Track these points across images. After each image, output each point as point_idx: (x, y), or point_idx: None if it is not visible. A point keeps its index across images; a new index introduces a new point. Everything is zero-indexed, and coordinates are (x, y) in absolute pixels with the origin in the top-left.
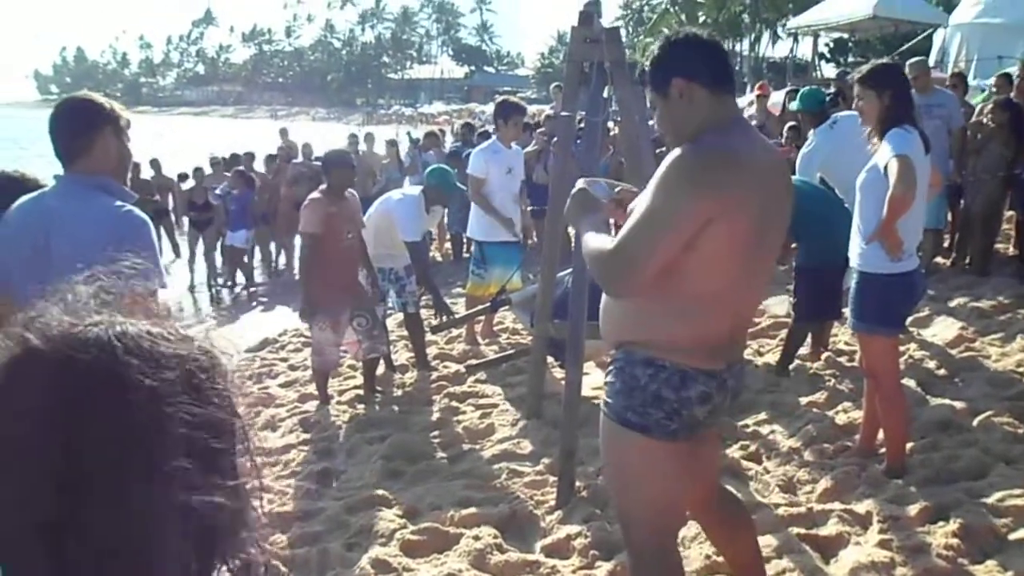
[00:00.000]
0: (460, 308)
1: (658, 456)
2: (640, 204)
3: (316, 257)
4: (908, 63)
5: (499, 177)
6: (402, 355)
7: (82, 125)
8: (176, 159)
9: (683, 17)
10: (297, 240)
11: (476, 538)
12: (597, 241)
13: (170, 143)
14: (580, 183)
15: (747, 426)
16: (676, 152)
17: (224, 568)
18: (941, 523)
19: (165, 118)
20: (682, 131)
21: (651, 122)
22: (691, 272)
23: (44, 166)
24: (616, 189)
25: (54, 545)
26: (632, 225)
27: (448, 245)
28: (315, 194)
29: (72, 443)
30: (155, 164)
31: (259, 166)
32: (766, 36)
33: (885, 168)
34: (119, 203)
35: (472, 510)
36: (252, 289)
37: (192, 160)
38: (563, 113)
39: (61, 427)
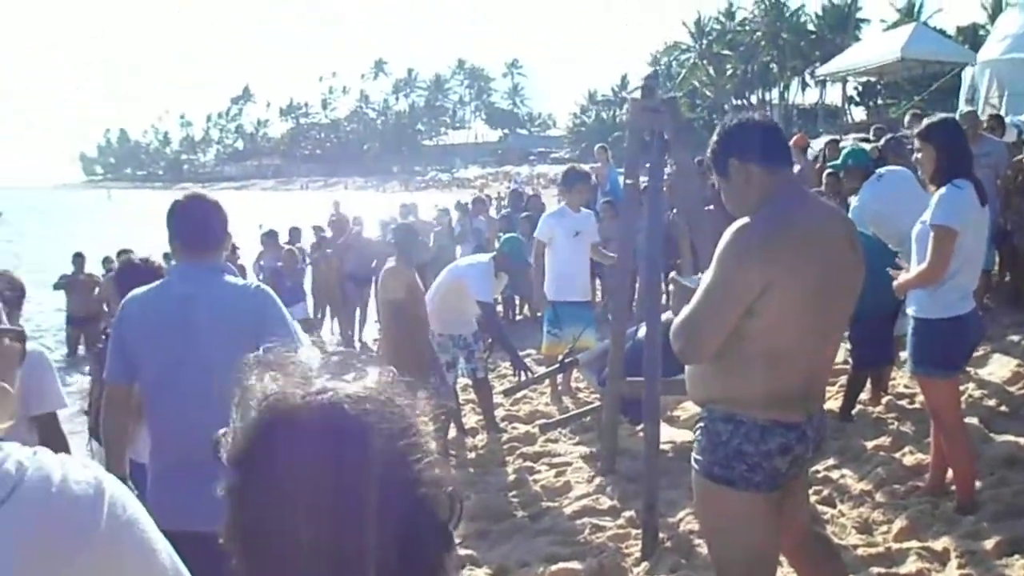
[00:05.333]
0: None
1: (746, 507)
2: (705, 277)
3: (401, 324)
4: (958, 113)
5: (565, 240)
6: (471, 418)
7: (220, 226)
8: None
9: (711, 70)
10: (358, 312)
11: None
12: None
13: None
14: (672, 276)
15: (818, 472)
16: (733, 227)
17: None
18: (1017, 556)
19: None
20: (744, 206)
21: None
22: (757, 334)
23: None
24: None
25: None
26: (697, 298)
27: (500, 308)
28: (392, 262)
29: (332, 484)
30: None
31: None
32: (795, 84)
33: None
34: (246, 282)
35: (562, 565)
36: None
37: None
38: (627, 181)
39: (322, 473)
